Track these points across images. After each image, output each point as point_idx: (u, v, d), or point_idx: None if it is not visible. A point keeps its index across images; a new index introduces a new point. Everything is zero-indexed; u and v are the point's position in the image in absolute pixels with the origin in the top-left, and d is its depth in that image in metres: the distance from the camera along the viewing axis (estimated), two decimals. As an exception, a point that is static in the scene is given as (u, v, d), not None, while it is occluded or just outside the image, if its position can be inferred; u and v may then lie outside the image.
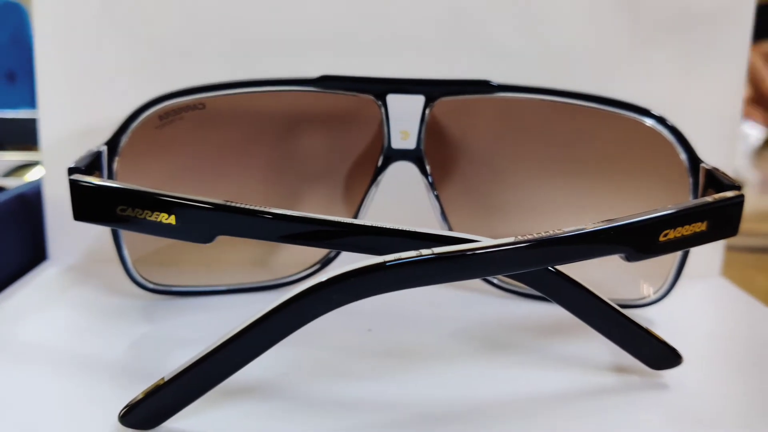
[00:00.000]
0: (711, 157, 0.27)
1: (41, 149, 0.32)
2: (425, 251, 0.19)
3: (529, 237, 0.19)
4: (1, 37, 0.84)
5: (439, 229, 0.28)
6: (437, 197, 0.28)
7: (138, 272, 0.28)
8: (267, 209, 0.21)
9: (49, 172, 0.32)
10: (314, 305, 0.19)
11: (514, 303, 0.29)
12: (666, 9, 0.31)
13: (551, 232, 0.20)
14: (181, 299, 0.28)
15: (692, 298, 0.30)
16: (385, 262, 0.18)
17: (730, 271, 0.34)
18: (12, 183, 0.44)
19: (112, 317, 0.27)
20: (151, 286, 0.28)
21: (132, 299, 0.28)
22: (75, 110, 0.32)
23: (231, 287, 0.29)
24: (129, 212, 0.22)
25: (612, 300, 0.27)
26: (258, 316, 0.19)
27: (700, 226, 0.22)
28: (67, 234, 0.32)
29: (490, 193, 0.30)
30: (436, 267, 0.19)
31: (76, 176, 0.23)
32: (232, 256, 0.29)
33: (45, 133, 0.32)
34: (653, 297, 0.28)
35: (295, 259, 0.29)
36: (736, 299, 0.31)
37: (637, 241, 0.21)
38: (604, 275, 0.26)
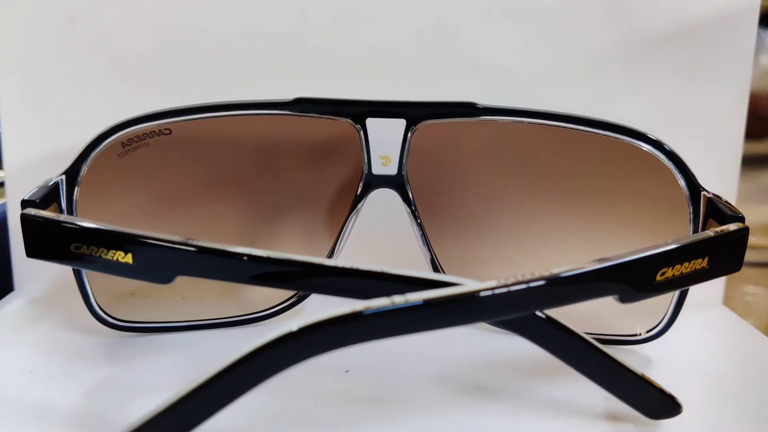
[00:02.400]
0: (711, 182, 0.25)
1: (5, 174, 0.30)
2: (398, 298, 0.17)
3: (516, 280, 0.18)
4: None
5: (422, 258, 0.27)
6: (420, 225, 0.26)
7: (101, 308, 0.26)
8: (232, 248, 0.20)
9: (12, 198, 0.31)
10: (281, 358, 0.17)
11: (499, 338, 0.27)
12: (662, 23, 0.30)
13: (538, 273, 0.18)
14: (146, 336, 0.27)
15: (692, 333, 0.28)
16: (361, 312, 0.17)
17: (731, 287, 0.32)
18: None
19: (72, 358, 0.25)
20: (114, 322, 0.26)
21: (96, 336, 0.26)
22: (40, 132, 0.30)
23: (199, 323, 0.27)
24: (84, 250, 0.21)
25: (605, 336, 0.26)
26: (217, 371, 0.17)
27: (701, 263, 0.21)
28: (34, 263, 0.30)
29: (476, 222, 0.28)
30: (416, 316, 0.17)
31: (29, 210, 0.21)
32: (202, 288, 0.28)
33: (8, 157, 0.30)
34: (650, 333, 0.26)
35: (269, 291, 0.28)
36: (740, 333, 0.29)
37: (633, 281, 0.19)
38: (597, 308, 0.24)
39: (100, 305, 0.26)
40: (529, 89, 0.30)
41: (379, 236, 0.29)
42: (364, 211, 0.26)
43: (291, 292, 0.27)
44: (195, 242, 0.20)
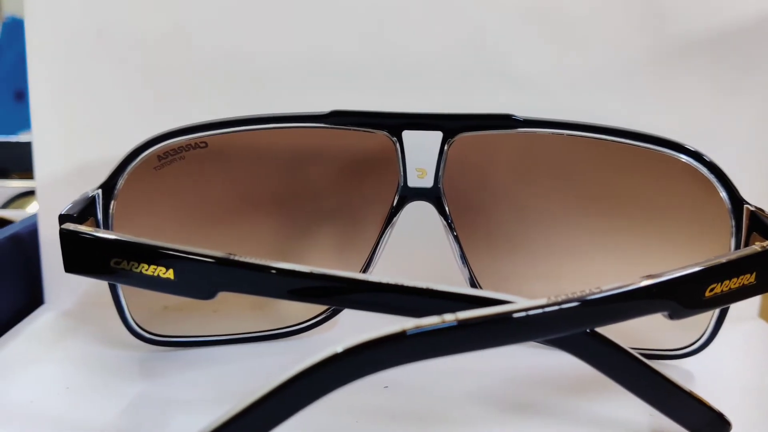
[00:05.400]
0: (751, 193, 0.25)
1: (36, 185, 0.30)
2: (449, 316, 0.17)
3: (565, 297, 0.17)
4: (9, 56, 0.83)
5: (458, 271, 0.26)
6: (457, 238, 0.26)
7: (136, 322, 0.26)
8: (273, 264, 0.20)
9: (44, 210, 0.30)
10: (326, 381, 0.17)
11: (539, 352, 0.26)
12: (697, 30, 0.29)
13: (587, 291, 0.18)
14: (179, 350, 0.26)
15: (731, 347, 0.28)
16: (404, 332, 0.16)
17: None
18: (11, 214, 0.42)
19: (107, 373, 0.25)
20: (149, 337, 0.26)
21: (129, 350, 0.26)
22: (71, 144, 0.30)
23: (234, 336, 0.27)
24: (124, 265, 0.21)
25: (645, 350, 0.26)
26: (261, 395, 0.16)
27: (749, 278, 0.20)
28: (65, 276, 0.30)
29: (513, 235, 0.28)
30: (463, 336, 0.17)
31: (67, 225, 0.21)
32: (234, 301, 0.27)
33: (40, 168, 0.30)
34: (692, 348, 0.26)
35: (300, 304, 0.27)
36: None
37: (682, 297, 0.19)
38: (634, 322, 0.24)
39: (135, 319, 0.26)
40: (563, 100, 0.30)
41: (415, 250, 0.29)
42: (400, 224, 0.26)
43: (324, 306, 0.27)
44: (237, 258, 0.20)
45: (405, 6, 0.29)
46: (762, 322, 0.31)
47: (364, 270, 0.26)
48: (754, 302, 0.31)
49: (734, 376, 0.26)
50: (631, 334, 0.24)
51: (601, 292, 0.18)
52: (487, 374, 0.25)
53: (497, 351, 0.26)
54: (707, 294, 0.20)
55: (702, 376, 0.25)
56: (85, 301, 0.31)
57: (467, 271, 0.26)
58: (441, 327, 0.16)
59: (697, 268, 0.19)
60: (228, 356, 0.26)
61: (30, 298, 0.31)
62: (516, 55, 0.29)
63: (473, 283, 0.26)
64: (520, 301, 0.17)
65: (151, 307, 0.27)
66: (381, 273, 0.22)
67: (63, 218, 0.22)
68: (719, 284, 0.20)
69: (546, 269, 0.27)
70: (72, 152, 0.30)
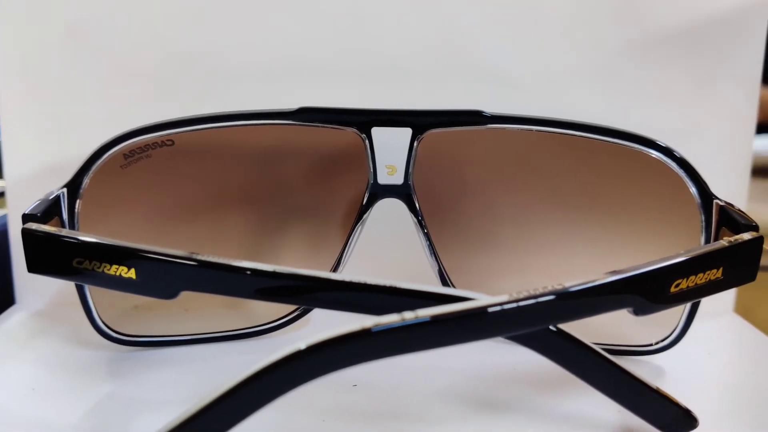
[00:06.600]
0: (721, 189, 0.25)
1: (5, 185, 0.30)
2: (408, 314, 0.16)
3: (527, 294, 0.17)
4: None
5: (430, 269, 0.26)
6: (427, 235, 0.26)
7: (104, 322, 0.25)
8: (237, 263, 0.19)
9: (13, 210, 0.30)
10: (289, 378, 0.17)
11: (508, 350, 0.26)
12: (672, 28, 0.29)
13: (550, 287, 0.18)
14: (149, 350, 0.26)
15: (704, 342, 0.28)
16: (370, 329, 0.16)
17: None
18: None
19: (75, 373, 0.24)
20: (117, 337, 0.26)
21: (99, 350, 0.26)
22: (41, 142, 0.30)
23: (203, 336, 0.27)
24: (86, 265, 0.20)
25: (616, 346, 0.26)
26: (223, 391, 0.16)
27: (716, 273, 0.20)
28: (36, 276, 0.30)
29: (484, 231, 0.27)
30: (427, 333, 0.17)
31: (29, 225, 0.21)
32: (205, 300, 0.27)
33: (9, 167, 0.30)
34: (663, 343, 0.26)
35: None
36: (754, 341, 0.29)
37: (647, 293, 0.19)
38: (606, 317, 0.24)
39: (103, 319, 0.25)
40: (536, 98, 0.29)
41: (386, 247, 0.29)
42: (370, 221, 0.26)
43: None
44: (199, 257, 0.19)
45: (381, 1, 0.29)
46: (737, 316, 0.31)
47: (335, 268, 0.26)
48: (729, 296, 0.31)
49: (705, 372, 0.26)
50: (603, 329, 0.25)
51: (563, 288, 0.18)
52: (455, 372, 0.25)
53: (464, 350, 0.26)
54: (672, 289, 0.19)
55: (673, 372, 0.25)
56: (58, 302, 0.31)
57: (438, 266, 0.26)
58: (401, 325, 0.16)
59: (661, 264, 0.19)
60: (199, 356, 0.26)
61: (1, 298, 0.30)
62: (493, 51, 0.29)
63: (444, 279, 0.26)
64: (481, 298, 0.17)
65: (122, 306, 0.27)
66: (352, 271, 0.22)
67: (26, 218, 0.22)
68: (685, 279, 0.20)
69: (518, 265, 0.27)
70: (42, 151, 0.30)
